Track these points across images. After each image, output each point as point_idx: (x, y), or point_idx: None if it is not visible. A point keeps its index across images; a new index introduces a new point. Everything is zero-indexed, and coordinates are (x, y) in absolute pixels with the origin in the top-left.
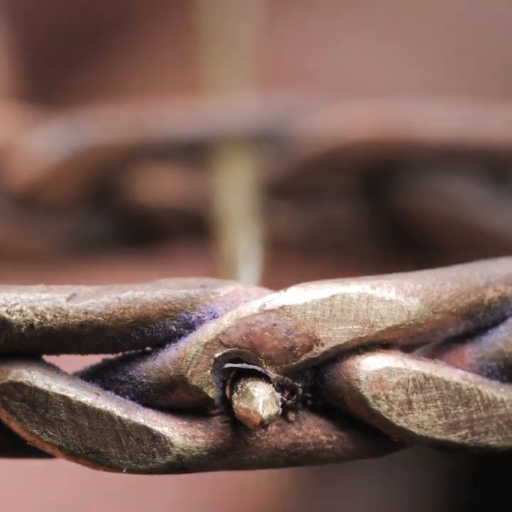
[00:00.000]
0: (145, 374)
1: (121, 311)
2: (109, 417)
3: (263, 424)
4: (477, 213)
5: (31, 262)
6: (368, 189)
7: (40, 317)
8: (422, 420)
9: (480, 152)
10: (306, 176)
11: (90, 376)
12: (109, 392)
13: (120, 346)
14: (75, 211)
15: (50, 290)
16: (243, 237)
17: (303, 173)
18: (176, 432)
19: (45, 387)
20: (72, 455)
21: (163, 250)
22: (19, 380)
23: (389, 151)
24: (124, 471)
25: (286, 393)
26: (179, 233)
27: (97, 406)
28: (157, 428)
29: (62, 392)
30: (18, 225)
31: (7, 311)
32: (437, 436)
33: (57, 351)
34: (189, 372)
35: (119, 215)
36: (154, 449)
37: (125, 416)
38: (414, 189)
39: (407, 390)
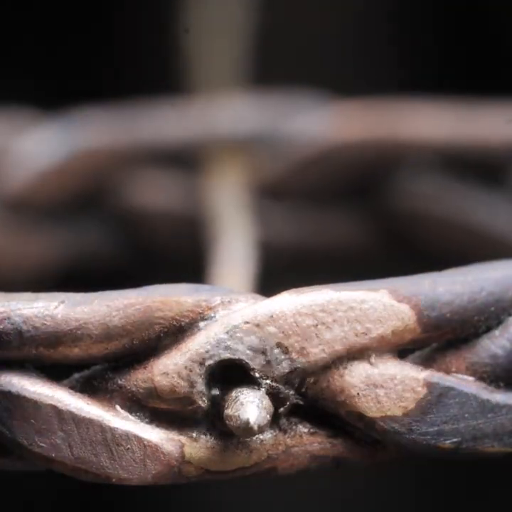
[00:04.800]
0: (135, 383)
1: (110, 318)
2: (99, 426)
3: (254, 433)
4: (472, 215)
5: (25, 268)
6: (361, 191)
7: (28, 325)
8: (418, 427)
9: (473, 153)
10: (300, 177)
11: (79, 385)
12: (98, 401)
13: (109, 354)
14: (68, 216)
15: (39, 298)
16: (237, 241)
17: (297, 175)
18: (167, 442)
19: (35, 397)
20: (62, 464)
21: (157, 253)
22: (8, 389)
23: (382, 152)
24: (114, 481)
25: (278, 401)
26: (173, 236)
27: (87, 415)
28: (147, 437)
29: (51, 402)
30: (12, 230)
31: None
32: (432, 443)
33: (46, 360)
34: (179, 381)
35: (113, 219)
36: (146, 459)
37: (114, 425)
38: (408, 191)
39: (401, 396)
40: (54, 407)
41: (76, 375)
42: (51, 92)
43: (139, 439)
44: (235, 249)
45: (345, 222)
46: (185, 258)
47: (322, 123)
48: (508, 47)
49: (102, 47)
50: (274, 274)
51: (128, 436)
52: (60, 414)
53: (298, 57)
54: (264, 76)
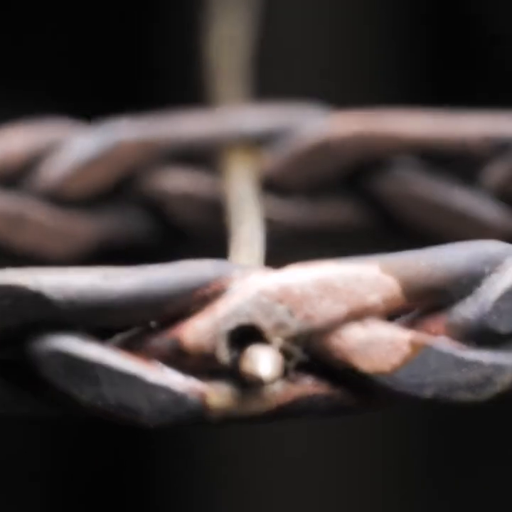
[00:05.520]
0: (169, 343)
1: (146, 289)
2: (139, 379)
3: (266, 384)
4: (450, 202)
5: (70, 248)
6: (354, 179)
7: (79, 295)
8: (403, 379)
9: (450, 149)
10: (297, 169)
11: (122, 344)
12: (137, 358)
13: (146, 319)
14: (104, 202)
15: (87, 271)
16: (250, 225)
17: (294, 167)
18: (194, 392)
19: (84, 355)
20: (108, 412)
21: (183, 234)
22: (62, 348)
23: (371, 144)
24: (151, 425)
25: (287, 358)
26: (196, 221)
27: (129, 369)
28: (178, 388)
29: (98, 359)
30: (57, 216)
31: (50, 289)
32: (415, 394)
33: (93, 323)
34: (204, 342)
35: (144, 205)
36: (177, 407)
37: (151, 378)
38: (396, 179)
39: (389, 354)
40: (101, 363)
41: (118, 337)
42: (87, 104)
43: (171, 390)
44: (248, 232)
45: (340, 207)
46: (207, 239)
47: (319, 123)
48: (495, 66)
49: (131, 64)
50: (279, 253)
51: (162, 388)
52: (106, 369)
53: (293, 75)
54: (263, 91)
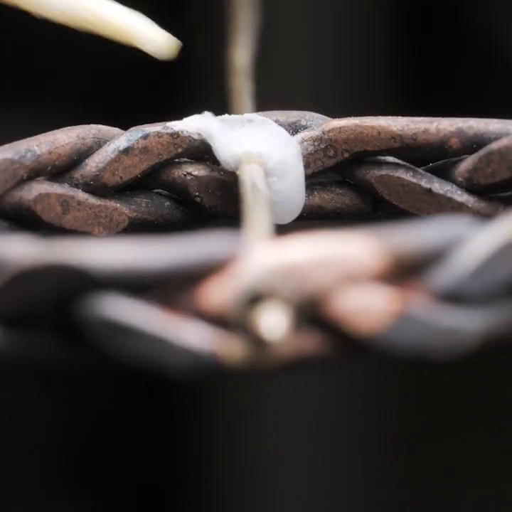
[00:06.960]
0: (189, 304)
1: (174, 256)
2: (164, 340)
3: (275, 340)
4: (427, 186)
5: (105, 232)
6: (348, 164)
7: (119, 265)
8: (391, 342)
9: (426, 142)
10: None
11: (151, 306)
12: (165, 318)
13: (175, 283)
14: (133, 193)
15: (123, 243)
16: (260, 208)
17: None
18: (210, 346)
19: (123, 319)
20: (140, 367)
21: (203, 215)
22: (104, 313)
23: (360, 136)
24: (171, 375)
25: (293, 318)
26: (215, 205)
27: (158, 333)
28: (195, 341)
29: (132, 324)
30: (92, 205)
31: (93, 262)
32: (401, 354)
33: (131, 290)
34: (222, 305)
35: (167, 191)
36: (196, 359)
37: (177, 333)
38: (383, 165)
39: (378, 318)
40: (136, 328)
41: (149, 297)
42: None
43: (192, 350)
44: (258, 213)
45: (335, 190)
46: (222, 220)
47: (317, 122)
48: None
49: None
50: (283, 230)
51: (183, 349)
52: (140, 333)
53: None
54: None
